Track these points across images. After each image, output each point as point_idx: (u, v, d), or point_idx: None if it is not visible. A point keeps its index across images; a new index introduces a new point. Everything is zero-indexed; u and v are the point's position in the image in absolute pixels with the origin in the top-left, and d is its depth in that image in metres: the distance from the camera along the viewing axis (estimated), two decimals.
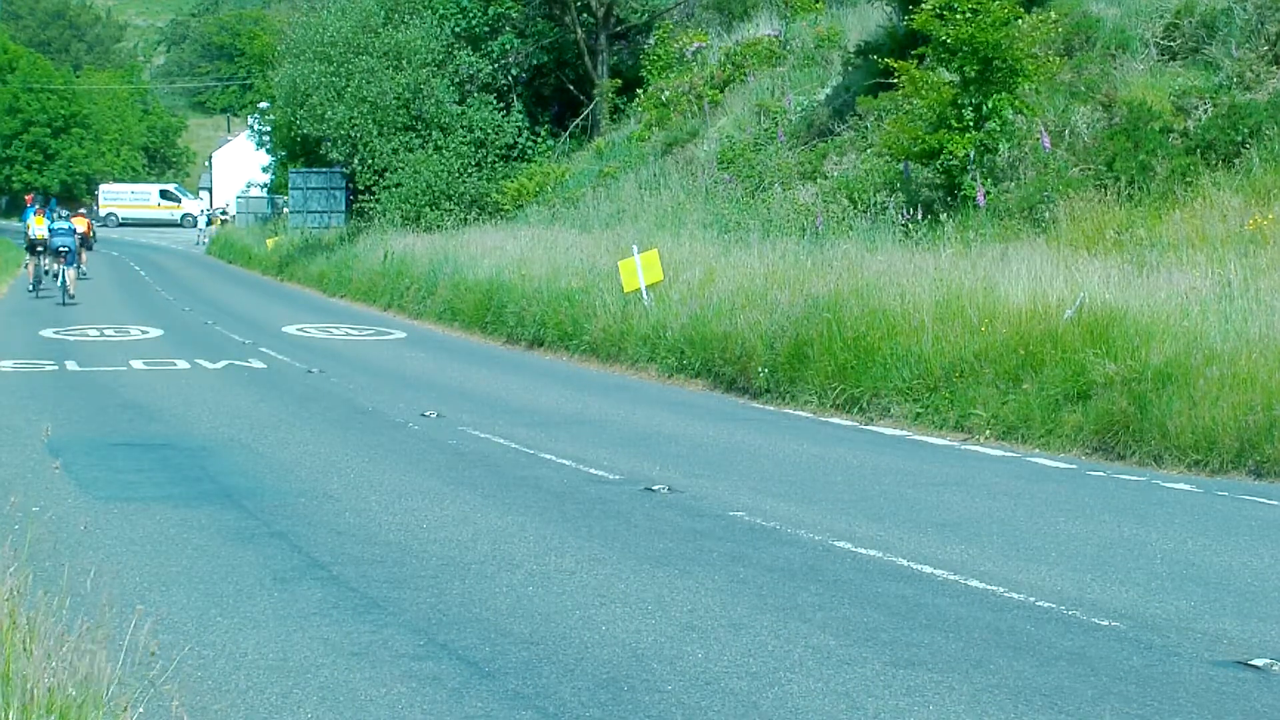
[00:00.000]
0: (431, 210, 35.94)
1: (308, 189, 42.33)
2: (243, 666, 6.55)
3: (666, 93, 33.21)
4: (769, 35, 32.97)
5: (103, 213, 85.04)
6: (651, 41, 37.36)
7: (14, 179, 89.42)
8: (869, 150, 22.98)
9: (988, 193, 18.91)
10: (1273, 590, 7.77)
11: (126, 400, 16.24)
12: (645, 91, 34.53)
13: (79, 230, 33.55)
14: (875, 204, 20.52)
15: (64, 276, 30.37)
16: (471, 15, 38.09)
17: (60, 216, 32.13)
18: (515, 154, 37.33)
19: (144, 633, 5.05)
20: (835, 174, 23.56)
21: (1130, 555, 8.54)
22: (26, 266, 32.73)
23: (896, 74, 20.35)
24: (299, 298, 35.64)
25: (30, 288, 32.26)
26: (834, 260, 17.67)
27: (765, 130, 27.50)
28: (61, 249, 30.42)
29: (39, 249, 31.70)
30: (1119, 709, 5.92)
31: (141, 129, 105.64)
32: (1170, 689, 6.15)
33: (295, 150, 49.03)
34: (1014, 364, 13.35)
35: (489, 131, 37.02)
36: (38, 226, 31.47)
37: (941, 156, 19.21)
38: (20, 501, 8.41)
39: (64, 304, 29.84)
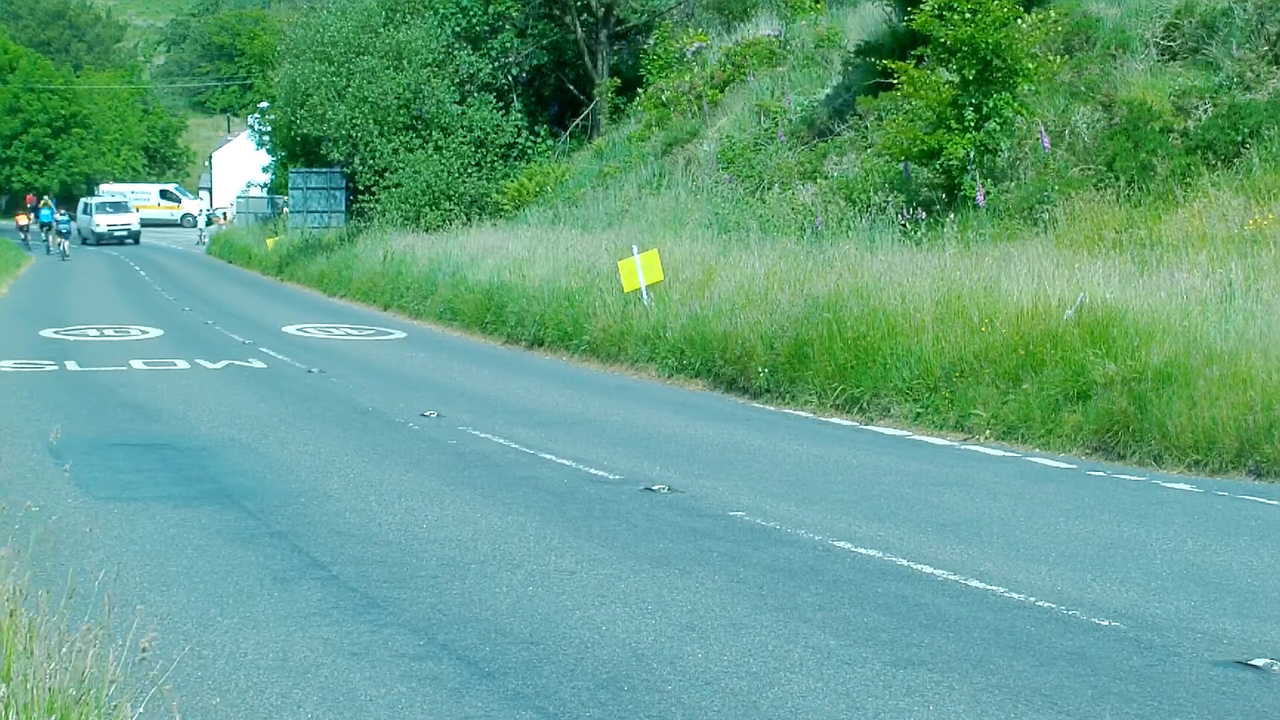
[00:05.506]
0: (431, 210, 35.92)
1: (308, 189, 42.32)
2: (243, 666, 6.56)
3: (666, 93, 33.21)
4: (769, 35, 32.95)
5: None
6: (651, 41, 37.35)
7: (14, 179, 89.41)
8: (869, 150, 22.97)
9: (988, 193, 18.91)
10: (1273, 590, 7.77)
11: (126, 400, 16.25)
12: (645, 91, 34.52)
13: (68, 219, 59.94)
14: (875, 204, 20.51)
15: (62, 246, 52.70)
16: (471, 15, 38.08)
17: (62, 212, 58.79)
18: (515, 154, 37.32)
19: (145, 633, 5.05)
20: (835, 174, 23.55)
21: (1130, 555, 8.54)
22: (48, 239, 56.06)
23: (896, 74, 20.34)
24: (299, 298, 35.64)
25: (48, 250, 54.17)
26: (834, 260, 17.66)
27: (765, 130, 27.50)
28: (60, 230, 54.87)
29: (50, 228, 56.15)
30: (1119, 709, 5.92)
31: (141, 129, 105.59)
32: (1170, 689, 6.15)
33: (295, 150, 49.02)
34: (1014, 364, 13.34)
35: (489, 131, 37.02)
36: (52, 216, 57.27)
37: (941, 157, 19.22)
38: (21, 502, 8.41)
39: (63, 260, 49.68)
